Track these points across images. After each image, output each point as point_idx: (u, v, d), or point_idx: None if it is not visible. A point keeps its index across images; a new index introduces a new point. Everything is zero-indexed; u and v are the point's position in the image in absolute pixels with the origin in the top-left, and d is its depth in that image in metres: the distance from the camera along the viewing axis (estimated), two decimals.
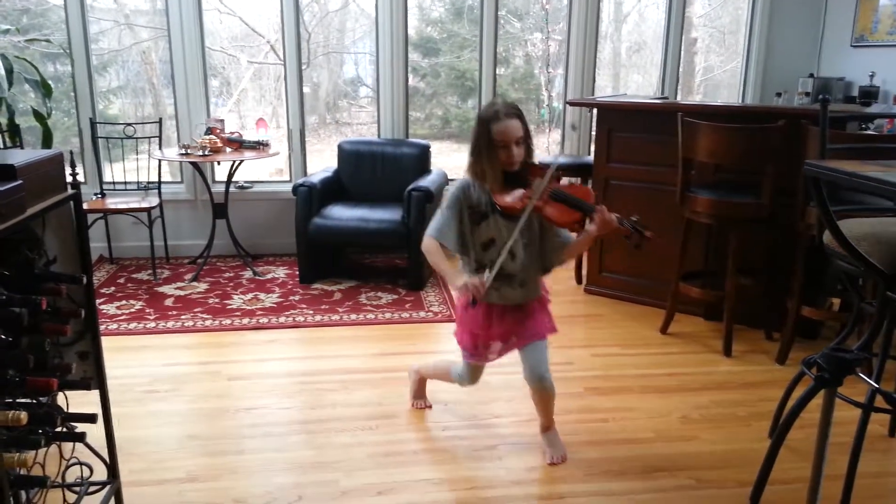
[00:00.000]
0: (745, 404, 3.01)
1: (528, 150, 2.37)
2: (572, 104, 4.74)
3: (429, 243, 2.42)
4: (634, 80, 6.73)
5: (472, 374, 2.68)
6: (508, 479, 2.47)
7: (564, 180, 2.27)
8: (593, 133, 5.10)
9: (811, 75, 5.44)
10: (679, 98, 5.66)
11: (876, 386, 1.83)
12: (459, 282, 2.36)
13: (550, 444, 2.64)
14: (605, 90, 5.93)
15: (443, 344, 3.69)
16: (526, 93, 6.52)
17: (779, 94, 5.41)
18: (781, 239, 3.58)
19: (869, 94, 4.94)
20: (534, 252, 2.43)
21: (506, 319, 2.48)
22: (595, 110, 4.44)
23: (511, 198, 2.33)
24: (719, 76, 6.70)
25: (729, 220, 3.47)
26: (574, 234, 2.39)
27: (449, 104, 6.66)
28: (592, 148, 5.02)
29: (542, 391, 2.55)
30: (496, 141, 2.29)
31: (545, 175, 2.30)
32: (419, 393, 2.99)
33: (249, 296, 4.31)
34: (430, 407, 2.99)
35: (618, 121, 4.15)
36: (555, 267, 2.49)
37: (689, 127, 3.45)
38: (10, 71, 4.13)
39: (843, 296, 3.66)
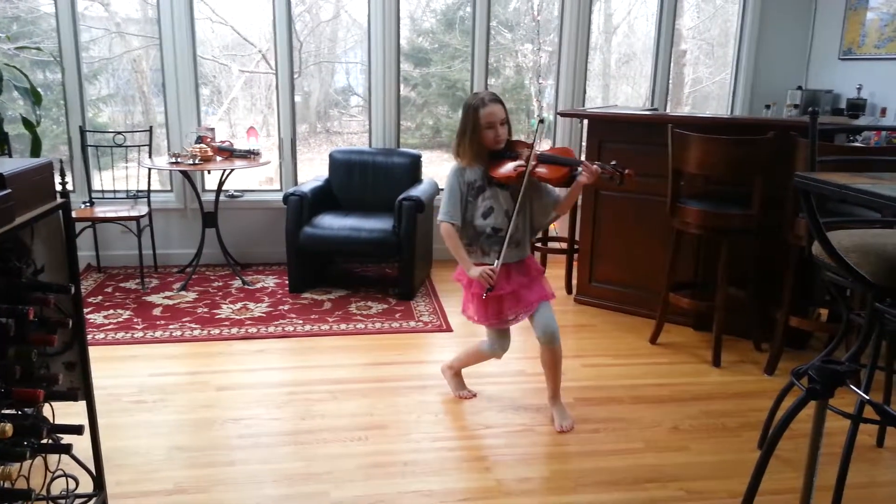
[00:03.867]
0: (735, 415, 3.02)
1: (510, 130, 2.77)
2: (563, 115, 4.76)
3: (446, 228, 2.78)
4: (624, 92, 6.76)
5: (500, 340, 2.94)
6: (500, 490, 2.46)
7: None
8: (584, 144, 5.13)
9: (799, 87, 5.49)
10: (668, 109, 5.70)
11: (867, 398, 1.84)
12: (474, 273, 2.72)
13: (559, 412, 2.91)
14: (594, 101, 5.96)
15: (435, 354, 3.68)
16: (517, 103, 6.54)
17: (768, 107, 5.46)
18: (770, 250, 3.60)
19: (856, 107, 4.99)
20: (525, 216, 2.81)
21: (511, 278, 2.78)
22: (586, 121, 4.46)
23: (505, 169, 2.71)
24: (708, 88, 6.75)
25: (718, 230, 3.48)
26: (561, 193, 2.78)
27: (440, 114, 6.66)
28: (583, 158, 5.05)
29: (553, 350, 2.84)
30: (483, 124, 2.69)
31: (532, 140, 2.67)
32: (459, 385, 3.15)
33: (239, 305, 4.28)
34: (476, 395, 3.15)
35: (608, 132, 4.17)
36: (544, 226, 2.86)
37: (680, 138, 3.47)
38: (0, 78, 4.11)
39: (831, 306, 3.68)
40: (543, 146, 2.96)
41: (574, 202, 2.73)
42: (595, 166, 2.61)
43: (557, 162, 2.68)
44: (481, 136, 2.71)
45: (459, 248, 2.77)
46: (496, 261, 2.71)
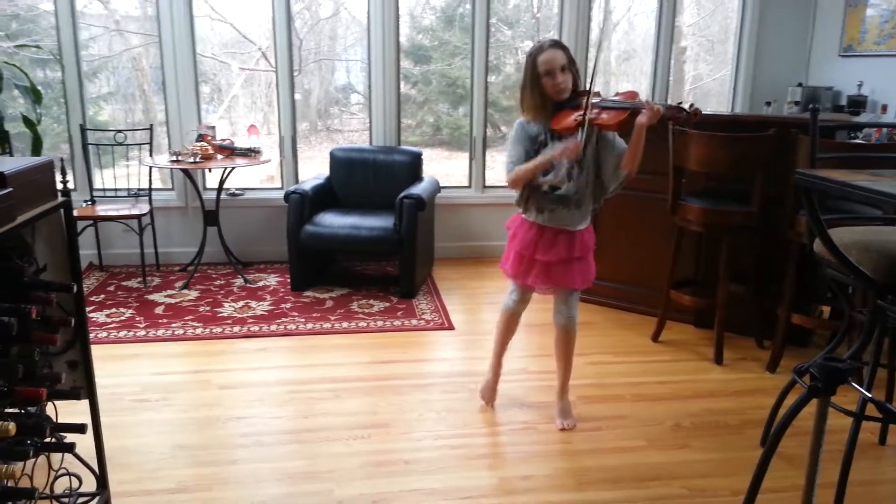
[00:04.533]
0: (737, 412, 3.02)
1: (575, 79, 2.56)
2: None
3: (513, 171, 2.62)
4: (624, 89, 6.75)
5: (519, 292, 2.86)
6: (502, 488, 2.46)
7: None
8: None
9: (800, 84, 5.48)
10: None
11: (869, 395, 1.84)
12: (556, 153, 2.51)
13: (563, 410, 2.89)
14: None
15: (437, 352, 3.69)
16: (518, 101, 6.52)
17: (768, 104, 5.45)
18: (771, 247, 3.60)
19: (857, 104, 4.98)
20: (590, 175, 2.62)
21: (554, 248, 2.67)
22: None
23: (566, 120, 2.52)
24: (708, 85, 6.73)
25: (719, 228, 3.48)
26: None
27: (440, 111, 6.65)
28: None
29: (567, 333, 2.81)
30: (542, 71, 2.52)
31: (589, 87, 2.46)
32: (491, 394, 3.05)
33: (240, 304, 4.29)
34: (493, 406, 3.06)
35: None
36: (615, 183, 2.60)
37: (681, 136, 3.47)
38: (0, 76, 4.11)
39: (833, 303, 3.68)
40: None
41: (639, 151, 2.46)
42: (658, 106, 2.40)
43: (617, 106, 2.46)
44: (541, 85, 2.54)
45: (528, 164, 2.58)
46: (579, 133, 2.47)
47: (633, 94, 2.52)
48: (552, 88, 2.55)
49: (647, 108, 2.39)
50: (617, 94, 2.56)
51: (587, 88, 2.50)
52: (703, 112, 2.42)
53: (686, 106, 2.36)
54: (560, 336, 2.85)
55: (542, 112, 2.59)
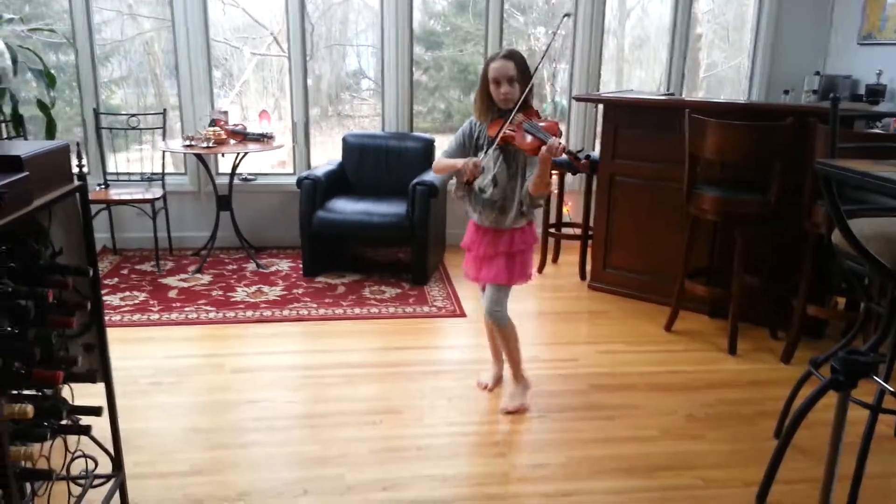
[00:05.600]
0: (751, 403, 3.00)
1: (524, 92, 2.63)
2: (579, 99, 4.72)
3: (437, 161, 2.82)
4: (637, 76, 6.69)
5: (482, 297, 2.98)
6: (514, 475, 2.47)
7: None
8: (598, 129, 5.09)
9: (817, 73, 5.41)
10: (683, 94, 5.64)
11: (891, 389, 1.82)
12: (460, 163, 2.65)
13: (511, 393, 2.96)
14: (608, 85, 5.89)
15: (449, 339, 3.69)
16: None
17: (786, 92, 5.38)
18: (787, 237, 3.57)
19: (876, 93, 4.91)
20: (517, 185, 2.70)
21: (483, 244, 2.79)
22: (601, 106, 4.42)
23: (496, 130, 2.63)
24: (723, 72, 6.67)
25: (735, 217, 3.45)
26: None
27: (451, 98, 6.62)
28: (598, 144, 5.01)
29: (499, 330, 2.87)
30: (490, 78, 2.63)
31: (528, 107, 2.63)
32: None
33: (253, 288, 4.29)
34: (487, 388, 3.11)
35: (624, 117, 4.13)
36: (526, 203, 2.70)
37: (697, 124, 3.43)
38: (14, 60, 4.11)
39: (848, 294, 3.65)
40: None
41: (542, 181, 2.56)
42: (560, 148, 2.44)
43: (534, 133, 2.54)
44: (489, 91, 2.66)
45: (447, 160, 2.75)
46: (482, 154, 2.65)
47: (554, 127, 2.58)
48: (497, 96, 2.65)
49: (550, 147, 2.46)
50: (542, 121, 2.60)
51: (527, 104, 2.64)
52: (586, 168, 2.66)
53: (582, 156, 2.53)
54: (492, 328, 2.93)
55: (486, 115, 2.71)
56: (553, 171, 4.57)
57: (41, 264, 1.83)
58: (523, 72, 2.64)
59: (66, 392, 1.94)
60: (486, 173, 2.68)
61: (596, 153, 4.50)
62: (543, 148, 2.47)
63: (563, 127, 5.58)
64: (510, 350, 2.93)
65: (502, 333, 2.89)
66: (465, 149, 2.76)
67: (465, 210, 2.85)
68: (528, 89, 2.64)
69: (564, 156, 2.46)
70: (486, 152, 2.67)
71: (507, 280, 2.79)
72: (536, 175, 2.58)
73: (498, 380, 3.12)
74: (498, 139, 2.59)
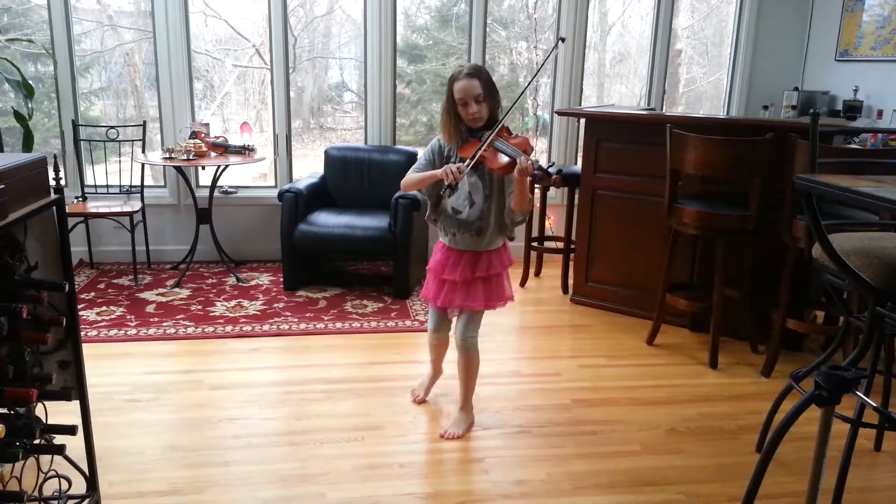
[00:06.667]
0: (733, 417, 3.01)
1: (492, 109, 2.59)
2: (561, 114, 4.74)
3: (407, 176, 2.69)
4: (618, 91, 6.75)
5: (432, 320, 2.92)
6: (496, 492, 2.44)
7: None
8: (580, 143, 5.11)
9: (796, 88, 5.49)
10: (663, 109, 5.69)
11: (874, 405, 1.83)
12: (439, 171, 2.55)
13: (456, 419, 2.86)
14: (589, 100, 5.94)
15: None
16: (511, 101, 6.51)
17: (766, 107, 5.45)
18: (767, 251, 3.60)
19: (853, 108, 4.99)
20: (493, 205, 2.64)
21: (458, 268, 2.69)
22: (583, 120, 4.44)
23: (469, 151, 2.56)
24: (702, 87, 6.74)
25: (716, 231, 3.47)
26: None
27: (434, 111, 6.63)
28: (580, 157, 5.03)
29: (467, 356, 2.77)
30: (457, 98, 2.54)
31: (499, 125, 2.55)
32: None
33: (233, 303, 4.25)
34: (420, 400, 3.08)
35: (606, 131, 4.15)
36: (509, 221, 2.64)
37: (678, 138, 3.46)
38: None
39: (827, 308, 3.68)
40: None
41: (523, 198, 2.50)
42: (529, 165, 2.38)
43: (505, 152, 2.49)
44: (456, 110, 2.57)
45: (419, 174, 2.65)
46: (463, 164, 2.52)
47: (525, 143, 2.52)
48: (465, 116, 2.57)
49: (520, 168, 2.40)
50: (513, 138, 2.55)
51: (496, 121, 2.57)
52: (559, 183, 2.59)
53: (553, 170, 2.40)
54: (460, 356, 2.80)
55: (455, 136, 2.62)
56: (536, 186, 4.61)
57: (16, 279, 1.79)
58: (490, 89, 2.57)
59: (39, 410, 1.90)
60: (460, 193, 2.61)
61: (578, 167, 4.52)
62: (515, 169, 2.42)
63: (544, 141, 5.63)
64: (472, 377, 2.83)
65: (470, 360, 2.79)
66: (434, 167, 2.66)
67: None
68: (496, 106, 2.60)
69: (536, 172, 2.40)
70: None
71: (484, 305, 2.71)
72: (516, 193, 2.52)
73: (429, 389, 3.09)
74: (473, 160, 2.51)
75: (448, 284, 2.72)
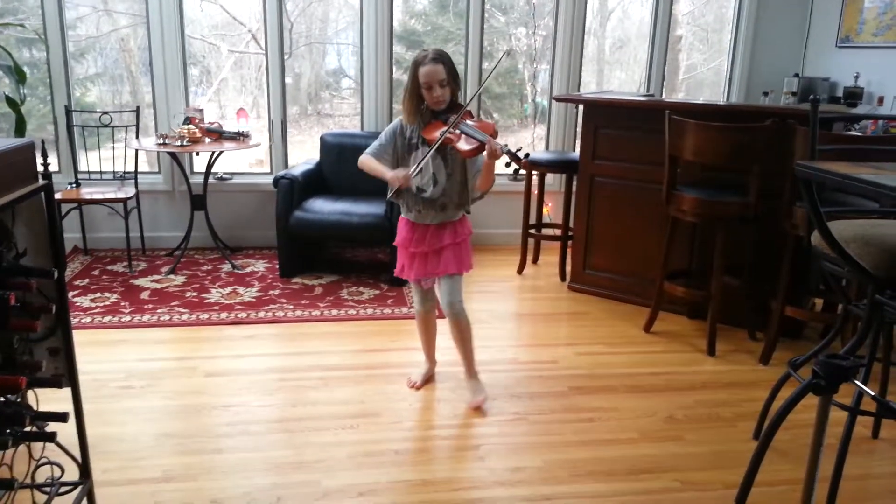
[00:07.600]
0: (730, 404, 3.00)
1: (454, 92, 2.71)
2: (559, 100, 4.71)
3: (365, 159, 2.79)
4: (617, 77, 6.70)
5: (416, 295, 3.02)
6: (492, 479, 2.43)
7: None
8: (579, 129, 5.07)
9: (796, 75, 5.45)
10: (663, 95, 5.65)
11: (871, 393, 1.81)
12: (389, 174, 2.69)
13: (472, 387, 2.96)
14: (588, 86, 5.89)
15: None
16: (510, 87, 6.47)
17: (766, 94, 5.42)
18: (766, 238, 3.58)
19: (854, 95, 4.96)
20: (455, 183, 2.77)
21: (425, 239, 2.82)
22: (581, 106, 4.40)
23: (433, 133, 2.67)
24: (702, 74, 6.69)
25: (715, 219, 3.45)
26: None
27: None
28: (578, 144, 5.00)
29: (458, 323, 2.87)
30: (421, 82, 2.65)
31: (464, 107, 2.65)
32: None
33: (228, 290, 4.23)
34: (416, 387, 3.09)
35: (604, 118, 4.12)
36: (473, 197, 2.79)
37: (677, 125, 3.43)
38: None
39: (826, 296, 3.66)
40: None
41: (489, 179, 2.66)
42: (498, 148, 2.50)
43: (472, 135, 2.59)
44: (420, 94, 2.68)
45: (377, 165, 2.75)
46: (412, 168, 2.67)
47: (490, 127, 2.63)
48: (429, 99, 2.68)
49: (490, 150, 2.52)
50: (476, 122, 2.66)
51: (459, 105, 2.69)
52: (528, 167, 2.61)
53: (521, 154, 2.49)
54: (451, 324, 2.90)
55: (415, 117, 2.73)
56: (534, 172, 4.58)
57: (3, 266, 1.76)
58: (453, 73, 2.69)
59: (30, 397, 1.88)
60: (424, 173, 2.73)
61: (576, 154, 4.49)
62: (484, 151, 2.53)
63: (543, 128, 5.59)
64: (468, 344, 2.94)
65: (463, 327, 2.89)
66: (394, 147, 2.78)
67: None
68: (457, 90, 2.72)
69: (505, 156, 2.49)
70: (421, 152, 2.72)
71: (459, 269, 2.84)
72: (484, 174, 2.67)
73: (428, 378, 3.14)
74: (438, 142, 2.61)
75: (418, 257, 2.85)
